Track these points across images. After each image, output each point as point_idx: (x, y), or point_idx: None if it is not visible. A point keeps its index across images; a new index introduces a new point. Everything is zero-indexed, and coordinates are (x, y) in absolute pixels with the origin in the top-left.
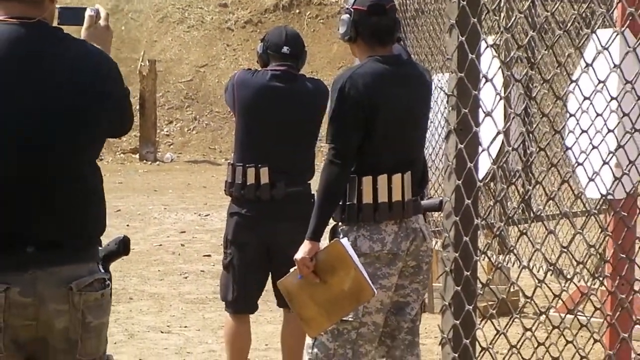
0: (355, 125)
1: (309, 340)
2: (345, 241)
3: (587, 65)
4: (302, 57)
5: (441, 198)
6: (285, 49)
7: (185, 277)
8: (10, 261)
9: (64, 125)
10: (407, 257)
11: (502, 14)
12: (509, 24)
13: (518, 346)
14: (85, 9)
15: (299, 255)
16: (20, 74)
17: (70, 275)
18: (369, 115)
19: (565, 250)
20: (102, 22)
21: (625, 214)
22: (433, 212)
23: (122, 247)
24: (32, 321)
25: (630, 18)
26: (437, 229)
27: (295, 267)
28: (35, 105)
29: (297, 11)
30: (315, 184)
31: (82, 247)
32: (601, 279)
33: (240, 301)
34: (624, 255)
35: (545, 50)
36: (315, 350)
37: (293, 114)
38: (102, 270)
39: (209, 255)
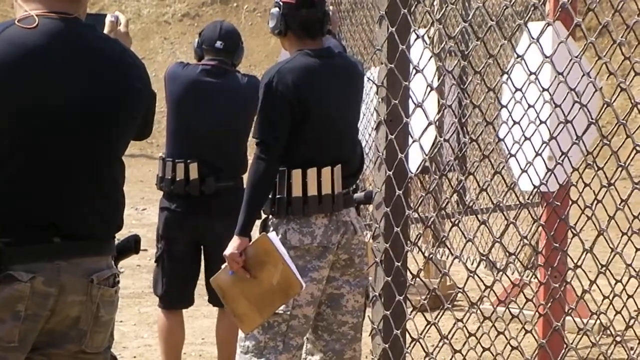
0: (283, 120)
1: (241, 334)
2: (272, 235)
3: (519, 56)
4: (237, 52)
5: (367, 191)
6: (218, 44)
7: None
8: (38, 251)
9: (104, 121)
10: (338, 250)
11: (436, 7)
12: (440, 15)
13: (449, 337)
14: (105, 15)
15: (228, 251)
16: (70, 66)
17: (92, 267)
18: (297, 109)
19: (498, 240)
20: (122, 28)
21: (558, 204)
22: (367, 205)
23: (134, 245)
24: (48, 311)
25: (560, 10)
26: (370, 222)
27: (226, 264)
28: (79, 99)
29: (235, 4)
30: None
31: (104, 240)
32: (533, 270)
33: (170, 296)
34: (557, 245)
35: (477, 41)
36: (247, 342)
37: (222, 109)
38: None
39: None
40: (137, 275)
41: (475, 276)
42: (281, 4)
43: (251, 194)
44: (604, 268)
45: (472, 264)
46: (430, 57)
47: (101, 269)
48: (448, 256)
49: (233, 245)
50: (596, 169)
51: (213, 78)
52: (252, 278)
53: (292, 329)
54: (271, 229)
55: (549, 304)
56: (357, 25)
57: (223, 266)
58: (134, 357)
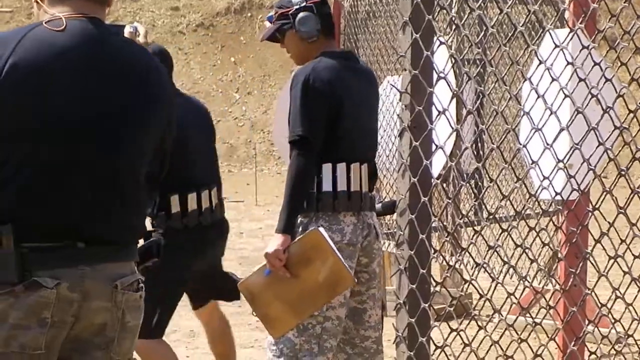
0: (321, 116)
1: (270, 337)
2: (322, 229)
3: (541, 62)
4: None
5: (385, 202)
6: None
7: None
8: (62, 256)
9: (136, 128)
10: (360, 252)
11: (454, 13)
12: (463, 21)
13: (473, 345)
14: (124, 26)
15: (271, 248)
16: (97, 70)
17: (116, 273)
18: (332, 105)
19: (528, 247)
20: (141, 38)
21: (590, 209)
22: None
23: (157, 249)
24: (72, 317)
25: (584, 16)
26: (389, 231)
27: (260, 265)
28: (112, 105)
29: (249, 14)
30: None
31: (127, 245)
32: (554, 278)
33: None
34: (587, 251)
35: (503, 45)
36: (281, 346)
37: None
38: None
39: None
40: None
41: (499, 284)
42: (312, 5)
43: (292, 190)
44: (631, 277)
45: (491, 272)
46: (454, 64)
47: (125, 275)
48: (467, 264)
49: (277, 243)
50: (620, 174)
51: None
52: (292, 278)
53: (326, 330)
54: (300, 228)
55: (572, 313)
56: (374, 34)
57: (256, 268)
58: None
